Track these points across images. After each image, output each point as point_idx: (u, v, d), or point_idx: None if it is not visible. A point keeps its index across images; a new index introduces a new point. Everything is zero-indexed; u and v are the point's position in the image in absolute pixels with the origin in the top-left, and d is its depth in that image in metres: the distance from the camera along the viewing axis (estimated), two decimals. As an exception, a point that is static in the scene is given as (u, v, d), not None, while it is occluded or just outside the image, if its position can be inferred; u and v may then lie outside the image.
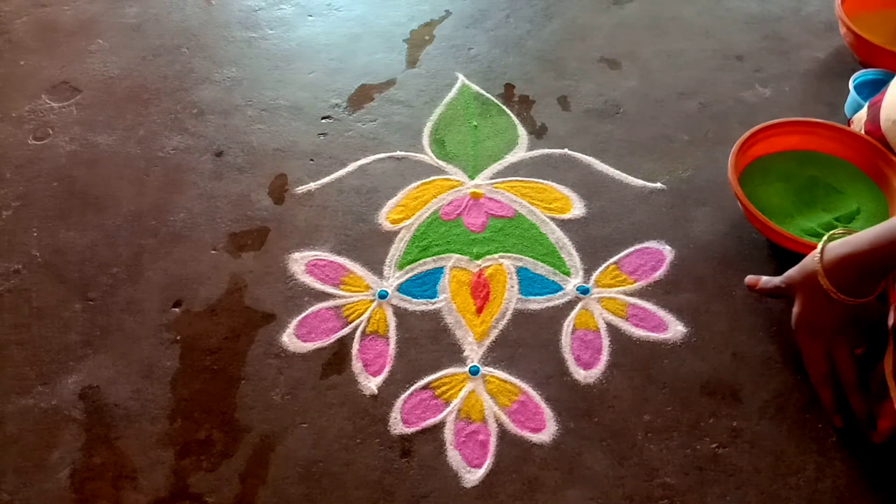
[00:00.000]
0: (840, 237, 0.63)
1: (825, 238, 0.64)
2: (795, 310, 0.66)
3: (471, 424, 0.66)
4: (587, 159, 0.88)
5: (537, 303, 0.75)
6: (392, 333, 0.72)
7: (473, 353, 0.71)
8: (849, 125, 0.84)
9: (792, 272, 0.67)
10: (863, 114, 0.82)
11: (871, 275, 0.61)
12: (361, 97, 0.97)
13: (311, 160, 0.89)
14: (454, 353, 0.71)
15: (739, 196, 0.75)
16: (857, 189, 0.80)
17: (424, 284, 0.76)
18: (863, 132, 0.81)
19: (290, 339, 0.72)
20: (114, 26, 1.08)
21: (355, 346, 0.72)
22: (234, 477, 0.63)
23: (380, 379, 0.69)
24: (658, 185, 0.85)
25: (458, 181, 0.86)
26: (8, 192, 0.86)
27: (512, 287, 0.76)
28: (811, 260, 0.64)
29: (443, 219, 0.82)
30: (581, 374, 0.69)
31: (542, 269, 0.77)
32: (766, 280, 0.70)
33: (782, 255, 0.70)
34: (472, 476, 0.63)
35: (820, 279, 0.62)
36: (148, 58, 1.03)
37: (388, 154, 0.89)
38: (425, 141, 0.91)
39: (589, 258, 0.78)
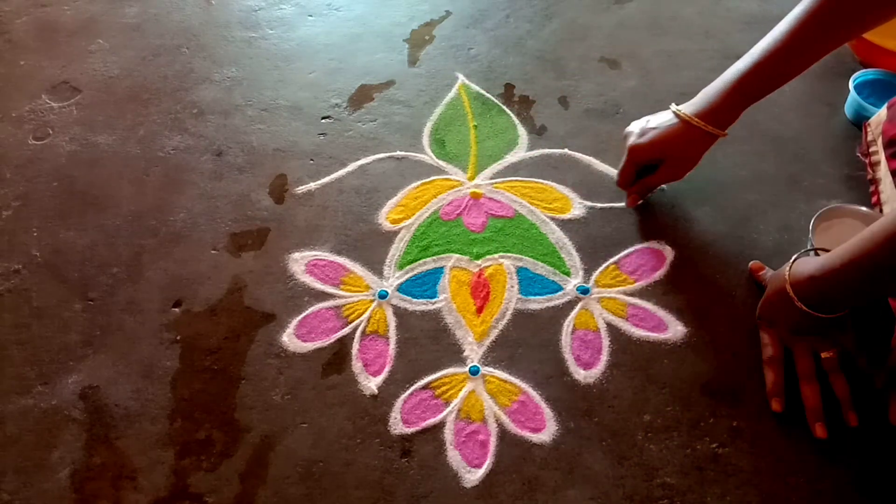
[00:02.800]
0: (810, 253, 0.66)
1: (797, 254, 0.67)
2: (762, 300, 0.70)
3: (471, 424, 0.66)
4: (587, 159, 0.88)
5: (537, 303, 0.75)
6: (392, 333, 0.72)
7: (473, 353, 0.71)
8: (865, 129, 0.83)
9: (772, 273, 0.71)
10: (882, 114, 0.81)
11: (833, 297, 0.62)
12: (361, 97, 0.97)
13: (311, 160, 0.89)
14: (454, 353, 0.71)
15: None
16: None
17: (424, 284, 0.76)
18: (880, 134, 0.80)
19: (290, 339, 0.72)
20: (114, 26, 1.08)
21: (355, 346, 0.72)
22: (234, 477, 0.63)
23: (380, 379, 0.69)
24: (658, 185, 0.85)
25: (458, 181, 0.86)
26: (8, 192, 0.86)
27: (512, 287, 0.76)
28: (785, 266, 0.67)
29: (443, 219, 0.82)
30: (581, 374, 0.69)
31: (542, 269, 0.77)
32: (764, 273, 0.74)
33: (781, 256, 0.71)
34: (472, 476, 0.63)
35: (787, 286, 0.65)
36: (148, 58, 1.03)
37: (388, 154, 0.89)
38: (425, 141, 0.91)
39: (589, 258, 0.78)
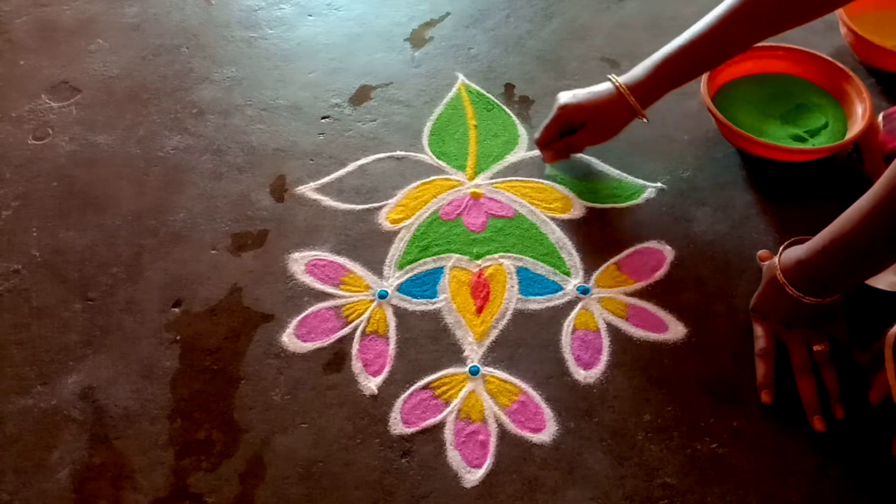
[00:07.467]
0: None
1: (786, 242, 0.67)
2: (757, 293, 0.70)
3: (471, 424, 0.66)
4: (587, 159, 0.88)
5: (537, 303, 0.75)
6: (392, 333, 0.72)
7: (473, 353, 0.71)
8: None
9: (766, 264, 0.71)
10: (878, 125, 0.81)
11: (823, 279, 0.63)
12: (361, 97, 0.97)
13: (311, 160, 0.89)
14: (454, 353, 0.71)
15: (713, 112, 0.82)
16: (822, 104, 0.87)
17: (424, 284, 0.76)
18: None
19: (289, 339, 0.72)
20: (114, 26, 1.08)
21: (355, 346, 0.72)
22: (234, 477, 0.63)
23: (380, 379, 0.69)
24: (658, 185, 0.85)
25: (458, 181, 0.86)
26: (8, 192, 0.86)
27: (512, 287, 0.76)
28: (776, 256, 0.68)
29: (443, 219, 0.82)
30: (581, 374, 0.69)
31: (542, 269, 0.77)
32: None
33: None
34: (472, 476, 0.63)
35: (777, 273, 0.65)
36: (148, 58, 1.03)
37: (388, 154, 0.89)
38: (425, 141, 0.91)
39: (589, 258, 0.78)
